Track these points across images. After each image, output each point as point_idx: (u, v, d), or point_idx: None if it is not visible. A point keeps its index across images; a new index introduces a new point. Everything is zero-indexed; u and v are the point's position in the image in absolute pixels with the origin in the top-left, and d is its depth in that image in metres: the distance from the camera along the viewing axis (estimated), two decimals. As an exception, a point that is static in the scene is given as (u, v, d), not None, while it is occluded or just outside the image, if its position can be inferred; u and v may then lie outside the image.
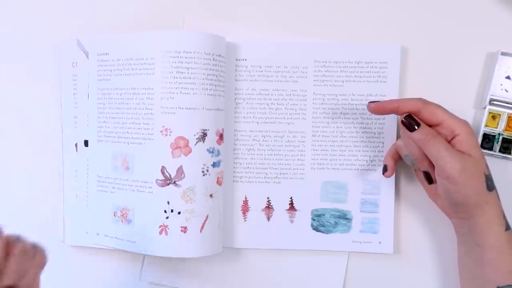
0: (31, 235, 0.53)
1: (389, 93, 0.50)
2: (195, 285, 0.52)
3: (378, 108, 0.45)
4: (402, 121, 0.43)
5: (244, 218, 0.51)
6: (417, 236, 0.51)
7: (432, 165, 0.44)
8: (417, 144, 0.43)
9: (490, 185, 0.42)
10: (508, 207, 0.45)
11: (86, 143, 0.51)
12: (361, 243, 0.50)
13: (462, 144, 0.42)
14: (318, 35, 0.51)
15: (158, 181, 0.47)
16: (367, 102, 0.49)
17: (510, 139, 0.49)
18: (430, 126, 0.43)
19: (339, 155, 0.50)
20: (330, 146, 0.50)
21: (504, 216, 0.43)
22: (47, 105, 0.53)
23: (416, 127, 0.42)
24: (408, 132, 0.43)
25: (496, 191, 0.43)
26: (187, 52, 0.46)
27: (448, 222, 0.47)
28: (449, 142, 0.43)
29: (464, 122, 0.43)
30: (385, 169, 0.48)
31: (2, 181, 0.53)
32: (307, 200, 0.51)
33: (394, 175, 0.50)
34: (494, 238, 0.42)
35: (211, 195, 0.47)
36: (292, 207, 0.51)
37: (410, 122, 0.43)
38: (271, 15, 0.51)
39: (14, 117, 0.53)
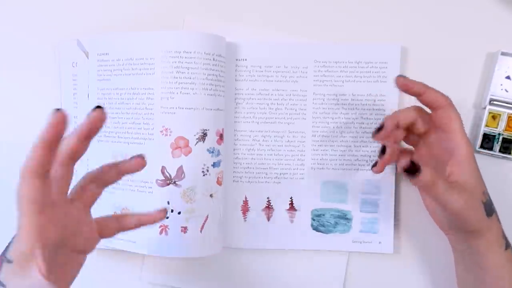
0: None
1: (389, 93, 0.49)
2: (195, 285, 0.52)
3: (404, 84, 0.42)
4: (404, 171, 0.39)
5: (244, 218, 0.51)
6: (417, 236, 0.51)
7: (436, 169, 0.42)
8: (420, 189, 0.45)
9: (489, 211, 0.41)
10: (509, 207, 0.45)
11: (86, 143, 0.51)
12: (361, 243, 0.50)
13: (459, 167, 0.41)
14: (318, 35, 0.51)
15: (158, 181, 0.47)
16: (368, 102, 0.49)
17: (510, 139, 0.49)
18: (435, 127, 0.42)
19: (339, 155, 0.50)
20: (330, 146, 0.50)
21: (504, 235, 0.43)
22: (47, 105, 0.52)
23: (417, 173, 0.38)
24: (412, 180, 0.39)
25: (496, 214, 0.42)
26: (187, 52, 0.46)
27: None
28: (445, 149, 0.42)
29: (467, 144, 0.41)
30: (374, 164, 0.45)
31: (3, 181, 0.53)
32: (307, 200, 0.51)
33: (394, 175, 0.50)
34: (494, 258, 0.42)
35: (211, 195, 0.47)
36: (292, 207, 0.51)
37: (412, 170, 0.38)
38: (271, 15, 0.51)
39: (14, 117, 0.53)
